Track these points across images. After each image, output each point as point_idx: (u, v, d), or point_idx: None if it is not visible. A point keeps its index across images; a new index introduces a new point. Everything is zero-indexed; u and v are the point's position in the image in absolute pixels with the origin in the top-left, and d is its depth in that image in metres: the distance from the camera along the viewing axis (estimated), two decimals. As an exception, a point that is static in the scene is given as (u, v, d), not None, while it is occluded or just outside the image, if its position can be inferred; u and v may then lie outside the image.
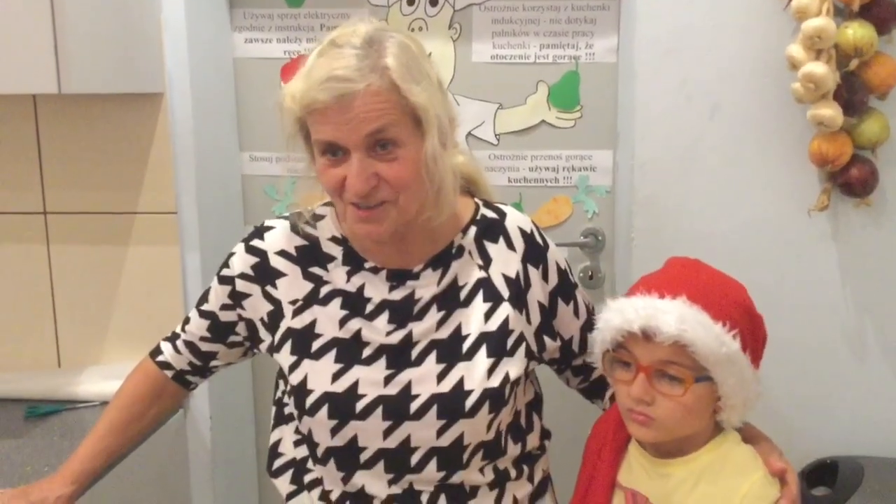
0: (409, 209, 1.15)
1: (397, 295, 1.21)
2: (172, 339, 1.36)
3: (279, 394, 1.31)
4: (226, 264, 1.29)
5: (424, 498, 1.20)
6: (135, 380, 1.38)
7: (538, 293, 1.26)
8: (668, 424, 1.12)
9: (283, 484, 1.29)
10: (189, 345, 1.34)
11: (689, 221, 1.75)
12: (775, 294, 1.74)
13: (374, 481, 1.19)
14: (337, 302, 1.21)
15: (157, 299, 1.86)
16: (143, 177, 1.84)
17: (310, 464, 1.26)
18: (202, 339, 1.32)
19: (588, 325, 1.30)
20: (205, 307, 1.31)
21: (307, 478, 1.26)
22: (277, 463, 1.30)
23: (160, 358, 1.36)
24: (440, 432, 1.17)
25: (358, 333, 1.20)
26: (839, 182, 1.66)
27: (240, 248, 1.28)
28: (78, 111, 1.84)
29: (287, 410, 1.28)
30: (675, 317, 1.08)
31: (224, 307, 1.29)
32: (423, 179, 1.13)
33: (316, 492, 1.25)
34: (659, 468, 1.18)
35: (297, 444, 1.28)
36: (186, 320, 1.35)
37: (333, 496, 1.23)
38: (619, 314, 1.14)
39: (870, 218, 1.71)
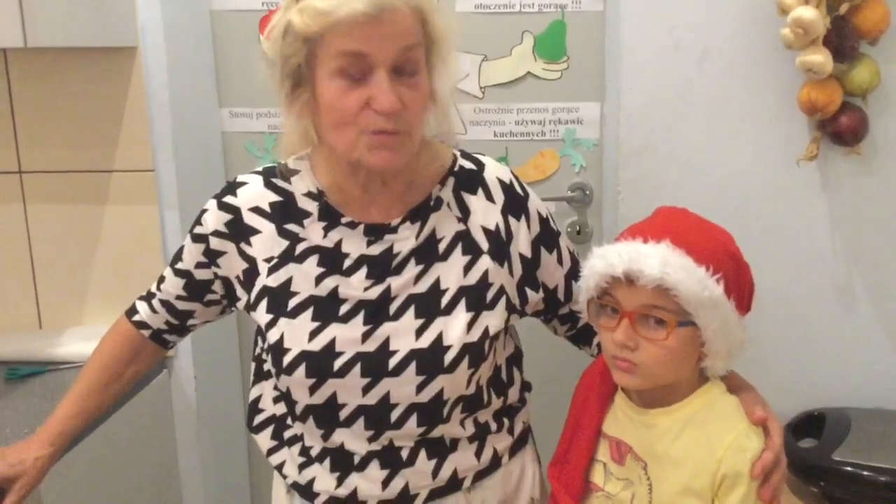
0: (416, 142, 1.14)
1: (375, 249, 1.19)
2: (148, 298, 1.34)
3: (258, 350, 1.29)
4: (198, 221, 1.25)
5: (404, 454, 1.19)
6: (111, 340, 1.36)
7: (521, 245, 1.24)
8: (651, 370, 1.12)
9: (264, 440, 1.29)
10: (165, 304, 1.31)
11: (677, 172, 1.73)
12: (764, 244, 1.73)
13: (353, 438, 1.19)
14: (313, 259, 1.19)
15: (137, 259, 1.84)
16: (118, 134, 1.81)
17: (289, 420, 1.25)
18: (178, 297, 1.30)
19: (573, 273, 1.28)
20: (179, 266, 1.28)
21: (287, 434, 1.26)
22: (258, 419, 1.29)
23: (136, 318, 1.34)
24: (419, 388, 1.16)
25: (335, 290, 1.18)
26: (829, 131, 1.64)
27: (212, 204, 1.25)
28: (50, 67, 1.79)
29: (266, 367, 1.27)
30: (657, 260, 1.07)
31: (199, 265, 1.26)
32: (426, 113, 1.14)
33: (296, 448, 1.24)
34: (644, 418, 1.18)
35: (276, 400, 1.27)
36: (161, 279, 1.32)
37: (314, 452, 1.22)
38: (603, 259, 1.13)
39: (861, 167, 1.69)
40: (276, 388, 1.25)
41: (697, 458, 1.12)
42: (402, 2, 1.06)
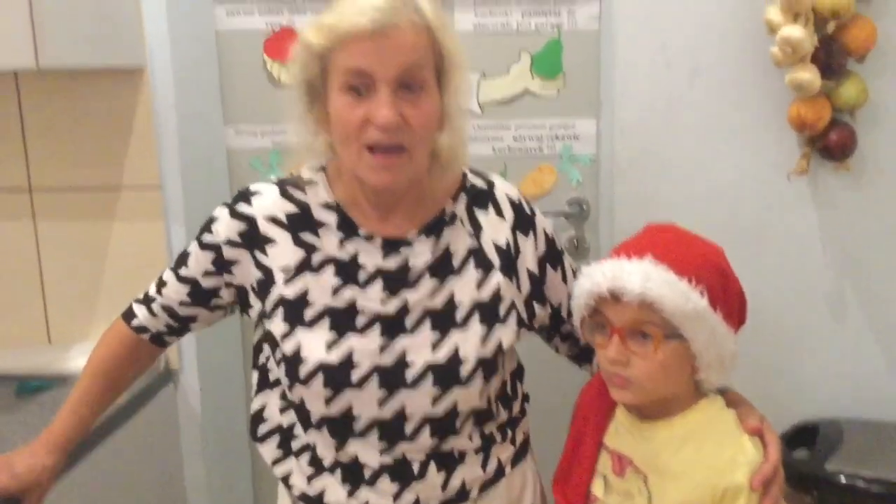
0: (421, 162, 1.16)
1: (391, 263, 1.20)
2: (146, 301, 1.32)
3: (262, 359, 1.29)
4: (208, 229, 1.25)
5: (415, 467, 1.21)
6: (110, 346, 1.34)
7: (528, 261, 1.26)
8: (644, 385, 1.14)
9: (269, 450, 1.29)
10: (166, 308, 1.30)
11: (670, 186, 1.77)
12: (756, 256, 1.76)
13: (366, 450, 1.20)
14: (330, 270, 1.20)
15: (145, 274, 1.81)
16: (126, 152, 1.85)
17: (297, 430, 1.26)
18: (182, 303, 1.29)
19: None
20: (183, 272, 1.27)
21: (295, 444, 1.26)
22: (262, 429, 1.30)
23: (135, 322, 1.32)
24: (435, 400, 1.17)
25: (352, 302, 1.19)
26: (818, 146, 1.67)
27: (223, 213, 1.24)
28: (60, 87, 1.83)
29: (272, 377, 1.27)
30: (639, 276, 1.10)
31: (207, 273, 1.25)
32: (434, 131, 1.16)
33: (305, 458, 1.25)
34: (644, 431, 1.20)
35: (283, 410, 1.27)
36: (162, 283, 1.31)
37: (326, 463, 1.23)
38: (589, 279, 1.16)
39: (850, 181, 1.72)
40: (283, 397, 1.26)
41: (697, 471, 1.13)
42: (406, 20, 1.09)
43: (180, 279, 1.28)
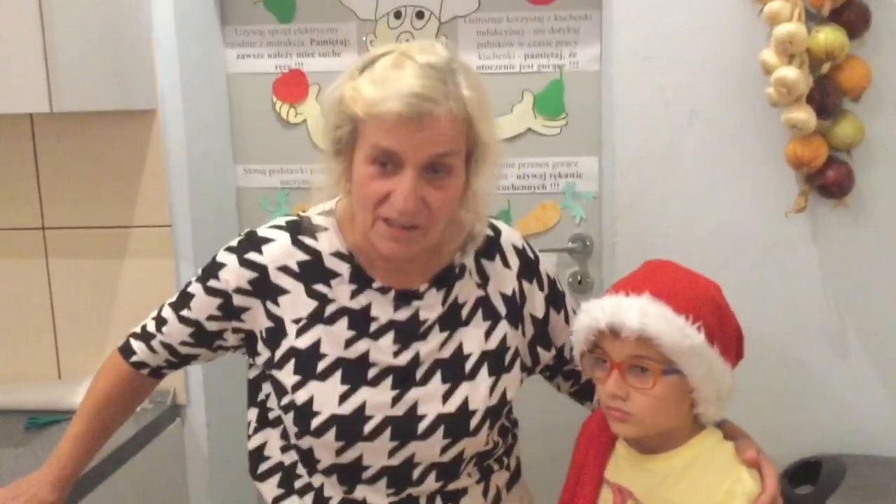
0: (435, 237, 1.17)
1: (402, 315, 1.21)
2: (146, 338, 1.31)
3: (262, 396, 1.29)
4: (213, 275, 1.23)
5: (422, 502, 1.23)
6: (110, 382, 1.34)
7: (532, 306, 1.29)
8: (643, 419, 1.16)
9: (270, 488, 1.29)
10: (167, 346, 1.29)
11: (670, 224, 1.79)
12: (756, 295, 1.77)
13: (375, 494, 1.21)
14: (343, 322, 1.20)
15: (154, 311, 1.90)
16: (137, 191, 1.89)
17: (300, 469, 1.26)
18: (183, 343, 1.28)
19: None
20: (186, 314, 1.26)
21: (297, 483, 1.26)
22: (263, 467, 1.30)
23: (134, 358, 1.32)
24: (444, 450, 1.19)
25: (365, 354, 1.19)
26: (816, 184, 1.69)
27: (231, 259, 1.23)
28: (74, 129, 1.88)
29: (272, 415, 1.27)
30: (637, 312, 1.12)
31: (212, 318, 1.24)
32: (455, 209, 1.16)
33: (308, 497, 1.25)
34: (644, 463, 1.21)
35: (283, 449, 1.28)
36: (162, 321, 1.29)
37: (333, 502, 1.24)
38: (588, 314, 1.18)
39: (848, 218, 1.73)
40: (283, 437, 1.26)
41: (696, 502, 1.15)
42: (445, 110, 1.07)
43: (182, 320, 1.27)
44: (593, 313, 1.17)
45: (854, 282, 1.76)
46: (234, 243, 1.25)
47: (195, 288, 1.26)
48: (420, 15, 2.04)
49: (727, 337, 1.19)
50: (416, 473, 1.20)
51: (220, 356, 1.34)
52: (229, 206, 2.13)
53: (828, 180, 1.67)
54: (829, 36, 1.59)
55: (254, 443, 1.31)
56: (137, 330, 1.34)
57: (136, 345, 1.33)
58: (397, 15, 2.04)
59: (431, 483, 1.21)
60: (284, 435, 1.26)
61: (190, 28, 1.91)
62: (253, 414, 1.31)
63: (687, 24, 1.72)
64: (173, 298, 1.30)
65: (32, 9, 1.48)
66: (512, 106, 2.04)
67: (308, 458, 1.23)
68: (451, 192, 1.13)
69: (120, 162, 1.89)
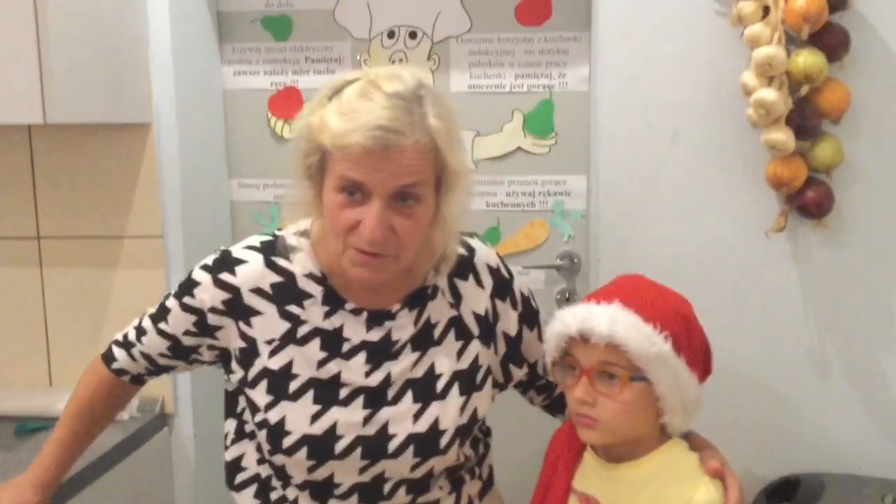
0: (406, 262, 1.17)
1: (375, 336, 1.22)
2: (126, 346, 1.33)
3: (239, 409, 1.30)
4: (189, 292, 1.24)
5: None
6: (91, 386, 1.37)
7: (505, 324, 1.30)
8: (611, 425, 1.18)
9: (246, 499, 1.30)
10: (145, 356, 1.32)
11: (653, 243, 1.81)
12: (737, 314, 1.79)
13: None
14: (316, 343, 1.21)
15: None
16: (131, 203, 1.92)
17: (275, 482, 1.28)
18: (161, 355, 1.30)
19: None
20: (163, 327, 1.28)
21: (273, 495, 1.28)
22: (240, 478, 1.31)
23: (115, 365, 1.34)
24: (414, 467, 1.21)
25: (336, 375, 1.20)
26: (796, 204, 1.71)
27: (206, 279, 1.24)
28: (71, 140, 1.92)
29: (248, 427, 1.28)
30: (606, 319, 1.16)
31: (188, 333, 1.26)
32: (424, 234, 1.17)
33: None
34: (610, 472, 1.23)
35: (259, 461, 1.29)
36: (142, 331, 1.31)
37: None
38: (560, 321, 1.21)
39: (828, 239, 1.75)
40: (259, 450, 1.28)
41: (659, 511, 1.17)
42: (411, 141, 1.08)
43: (160, 333, 1.29)
44: (565, 320, 1.20)
45: (834, 302, 1.77)
46: (209, 261, 1.26)
47: (172, 303, 1.28)
48: (413, 35, 2.08)
49: (694, 349, 1.22)
50: (386, 488, 1.22)
51: (199, 367, 1.36)
52: (223, 220, 2.17)
53: (807, 201, 1.69)
54: (807, 59, 1.61)
55: (231, 454, 1.33)
56: (119, 337, 1.36)
57: (118, 352, 1.35)
58: (391, 35, 2.08)
59: (402, 497, 1.23)
60: (260, 448, 1.28)
61: (187, 44, 1.95)
62: (231, 425, 1.33)
63: (670, 47, 1.75)
64: (153, 309, 1.32)
65: (28, 20, 1.51)
66: (502, 125, 2.07)
67: (282, 472, 1.25)
68: (420, 220, 1.14)
69: (115, 174, 1.92)
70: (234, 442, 1.32)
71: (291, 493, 1.26)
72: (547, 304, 1.99)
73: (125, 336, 1.35)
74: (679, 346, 1.18)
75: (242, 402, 1.28)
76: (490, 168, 2.09)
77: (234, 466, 1.32)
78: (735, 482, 1.19)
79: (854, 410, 1.79)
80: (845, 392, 1.79)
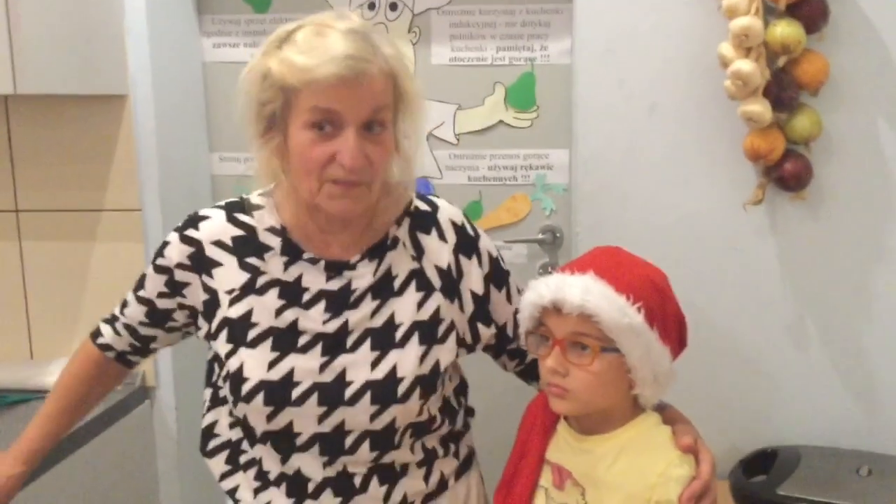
0: (376, 195, 1.21)
1: (334, 285, 1.24)
2: (112, 321, 1.38)
3: (214, 377, 1.32)
4: (160, 253, 1.29)
5: (357, 480, 1.24)
6: (78, 362, 1.41)
7: (471, 282, 1.30)
8: (581, 395, 1.18)
9: (218, 464, 1.32)
10: (128, 328, 1.36)
11: (630, 216, 1.81)
12: (715, 286, 1.79)
13: (309, 463, 1.23)
14: (274, 292, 1.23)
15: (123, 293, 1.91)
16: (108, 176, 1.92)
17: (244, 445, 1.29)
18: (141, 323, 1.34)
19: None
20: (141, 294, 1.32)
21: (242, 458, 1.30)
22: (212, 444, 1.33)
23: (101, 340, 1.39)
24: (373, 417, 1.21)
25: (294, 323, 1.22)
26: (774, 177, 1.71)
27: (174, 237, 1.29)
28: (47, 114, 1.91)
29: (222, 393, 1.30)
30: (579, 289, 1.15)
31: (161, 295, 1.30)
32: (390, 164, 1.21)
33: (252, 471, 1.28)
34: (582, 444, 1.24)
35: (231, 426, 1.31)
36: (125, 303, 1.37)
37: (271, 476, 1.27)
38: (534, 291, 1.21)
39: (807, 211, 1.75)
40: (231, 413, 1.29)
41: (631, 484, 1.17)
42: (377, 68, 1.13)
43: (139, 300, 1.33)
44: (539, 290, 1.20)
45: (812, 274, 1.78)
46: (180, 223, 1.31)
47: (148, 269, 1.32)
48: (393, 7, 2.06)
49: (668, 321, 1.21)
50: (348, 441, 1.22)
51: (178, 340, 1.39)
52: (204, 193, 2.16)
53: (785, 173, 1.69)
54: (785, 30, 1.60)
55: (206, 421, 1.35)
56: (108, 315, 1.40)
57: (104, 328, 1.39)
58: (371, 6, 2.07)
59: (366, 452, 1.23)
60: (232, 413, 1.29)
61: (163, 15, 1.94)
62: (208, 393, 1.35)
63: (648, 19, 1.74)
64: (135, 284, 1.36)
65: (-4, -11, 1.50)
66: (484, 98, 2.06)
67: (246, 427, 1.25)
68: (387, 147, 1.19)
69: (92, 146, 1.92)
70: (209, 409, 1.35)
71: (257, 451, 1.27)
72: (529, 278, 1.96)
73: (112, 313, 1.40)
74: (652, 317, 1.17)
75: (217, 370, 1.30)
76: (472, 142, 2.08)
77: (208, 433, 1.34)
78: (707, 457, 1.19)
79: (832, 383, 1.80)
80: (823, 364, 1.80)
